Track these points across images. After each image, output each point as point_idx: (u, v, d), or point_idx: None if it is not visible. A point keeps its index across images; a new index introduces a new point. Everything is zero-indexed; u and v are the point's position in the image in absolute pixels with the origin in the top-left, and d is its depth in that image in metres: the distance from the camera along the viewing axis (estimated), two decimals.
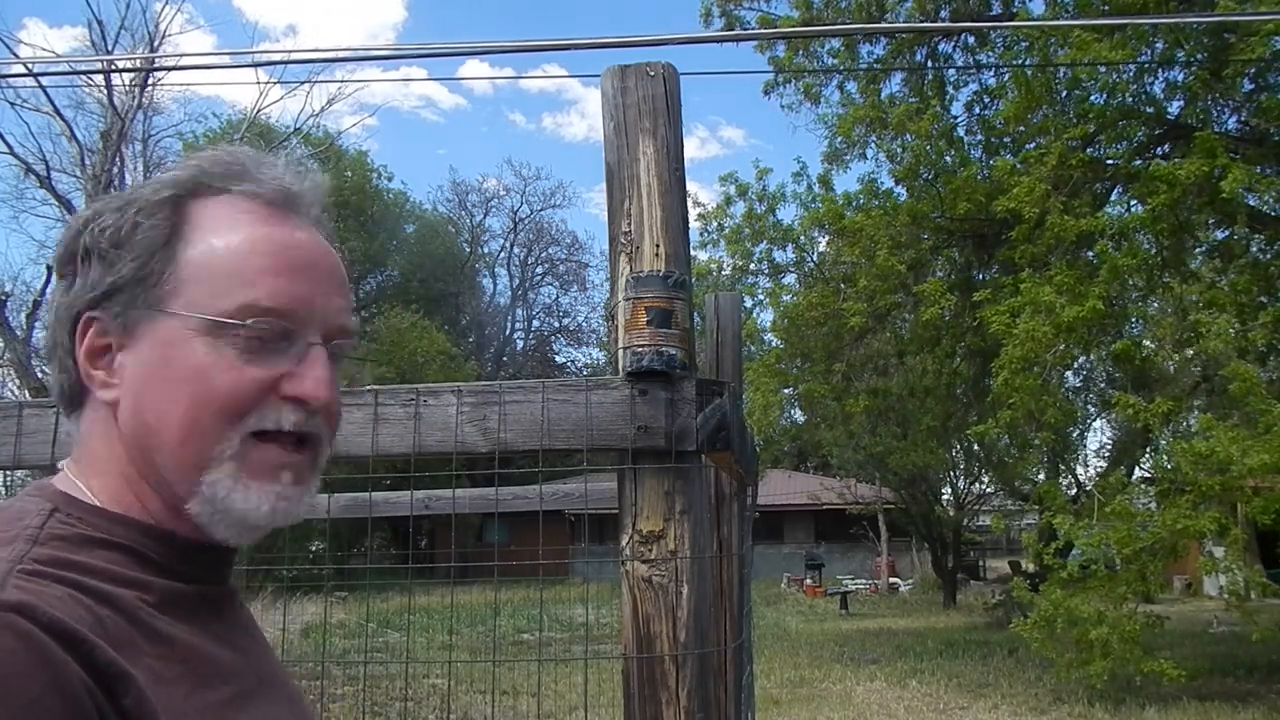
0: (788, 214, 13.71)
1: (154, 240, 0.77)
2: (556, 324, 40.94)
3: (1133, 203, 10.80)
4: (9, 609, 0.61)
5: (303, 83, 21.03)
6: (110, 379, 0.77)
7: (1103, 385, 17.62)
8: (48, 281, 16.90)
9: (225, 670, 0.75)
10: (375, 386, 1.45)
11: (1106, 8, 10.16)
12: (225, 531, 0.77)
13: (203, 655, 0.73)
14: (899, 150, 11.98)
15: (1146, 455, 13.07)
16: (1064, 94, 10.65)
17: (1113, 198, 11.72)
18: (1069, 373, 14.91)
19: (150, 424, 0.75)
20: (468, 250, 38.60)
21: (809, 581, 23.64)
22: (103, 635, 0.64)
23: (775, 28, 12.50)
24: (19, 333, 18.18)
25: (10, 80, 17.59)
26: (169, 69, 18.45)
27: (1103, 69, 9.89)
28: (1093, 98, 10.62)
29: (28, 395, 15.72)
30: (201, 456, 0.74)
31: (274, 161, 0.84)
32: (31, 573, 0.65)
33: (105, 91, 18.19)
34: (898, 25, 12.02)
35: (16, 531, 0.70)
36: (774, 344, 13.40)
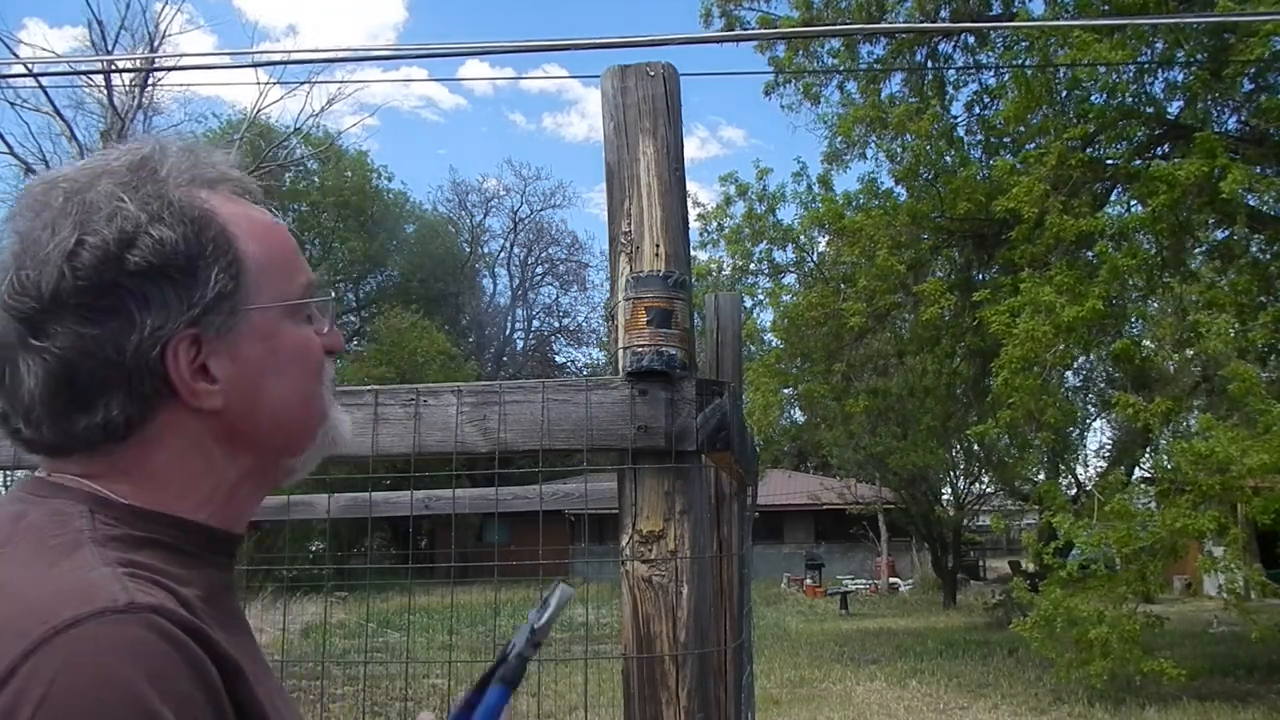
0: (788, 214, 13.72)
1: (225, 245, 0.77)
2: (556, 324, 40.96)
3: (1133, 203, 10.80)
4: (148, 610, 0.62)
5: (302, 83, 21.03)
6: (211, 388, 0.76)
7: (1103, 385, 17.63)
8: None
9: (263, 660, 0.79)
10: (375, 386, 1.45)
11: (1106, 8, 10.16)
12: (320, 456, 0.87)
13: (249, 647, 0.77)
14: (899, 150, 11.98)
15: (1146, 455, 13.08)
16: (1064, 94, 10.65)
17: (1113, 198, 11.73)
18: (1069, 373, 14.92)
19: (273, 406, 0.80)
20: (468, 250, 38.59)
21: (809, 581, 23.63)
22: None
23: (775, 28, 12.50)
24: None
25: (10, 80, 17.60)
26: (169, 69, 18.45)
27: (1103, 69, 9.89)
28: (1093, 98, 10.62)
29: None
30: (320, 414, 0.84)
31: (218, 152, 0.84)
32: (129, 575, 0.66)
33: (105, 91, 18.20)
34: (898, 25, 12.02)
35: (73, 535, 0.69)
36: (774, 344, 13.40)
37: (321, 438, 0.85)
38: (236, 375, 0.77)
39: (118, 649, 0.60)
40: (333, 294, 1.06)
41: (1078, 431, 19.43)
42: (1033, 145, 10.59)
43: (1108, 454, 21.93)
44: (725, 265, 13.88)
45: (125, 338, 0.71)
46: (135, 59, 18.08)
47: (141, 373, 0.73)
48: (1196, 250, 11.25)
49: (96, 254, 0.70)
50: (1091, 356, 13.33)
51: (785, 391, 13.34)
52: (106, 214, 0.72)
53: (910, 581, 24.14)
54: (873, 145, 12.41)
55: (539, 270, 40.63)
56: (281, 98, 43.88)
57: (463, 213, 39.89)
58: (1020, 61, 11.09)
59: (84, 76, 17.72)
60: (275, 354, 0.79)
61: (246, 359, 0.77)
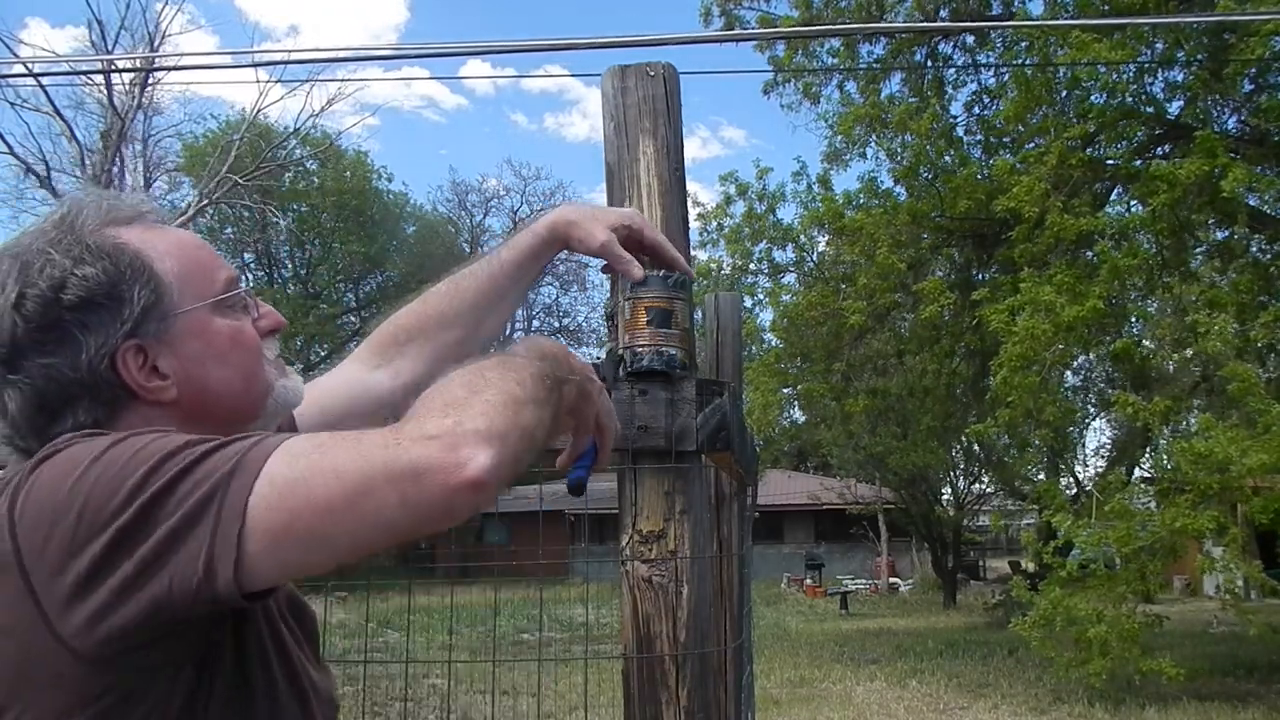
0: (788, 213, 13.69)
1: (141, 267, 0.93)
2: (556, 324, 40.95)
3: (1133, 203, 10.80)
4: None
5: (303, 82, 21.01)
6: (164, 383, 0.93)
7: (1102, 385, 17.61)
8: None
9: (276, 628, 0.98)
10: None
11: (1106, 8, 10.15)
12: (277, 416, 1.04)
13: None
14: (899, 149, 11.97)
15: (1146, 455, 13.07)
16: (1064, 94, 10.64)
17: (1113, 198, 11.72)
18: (1069, 372, 14.92)
19: (221, 390, 0.96)
20: (468, 250, 38.56)
21: (809, 581, 23.62)
22: None
23: (775, 27, 12.49)
24: None
25: (10, 80, 17.59)
26: (169, 69, 18.45)
27: (1103, 69, 9.88)
28: (1093, 98, 10.60)
29: None
30: (265, 385, 1.00)
31: (134, 195, 1.04)
32: None
33: (105, 91, 18.19)
34: (898, 25, 12.01)
35: None
36: (773, 344, 13.38)
37: (271, 404, 1.01)
38: (182, 369, 0.94)
39: None
40: (247, 284, 1.10)
41: (1077, 431, 19.42)
42: (1033, 145, 10.58)
43: (1107, 454, 21.92)
44: (725, 265, 13.87)
45: (77, 358, 0.89)
46: (135, 59, 18.07)
47: (99, 383, 0.90)
48: (1197, 250, 11.25)
49: (37, 301, 0.89)
50: (1091, 356, 13.32)
51: (785, 391, 13.33)
52: (38, 267, 0.89)
53: (910, 581, 24.14)
54: (873, 145, 12.41)
55: None
56: (282, 98, 43.87)
57: (463, 213, 39.91)
58: (1020, 61, 11.08)
59: (84, 76, 17.72)
60: (211, 344, 0.96)
61: (187, 354, 0.94)
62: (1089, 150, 10.55)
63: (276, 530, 0.75)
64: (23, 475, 0.80)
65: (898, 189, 12.42)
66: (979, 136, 12.66)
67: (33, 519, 0.76)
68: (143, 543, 0.74)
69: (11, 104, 18.03)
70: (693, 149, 61.94)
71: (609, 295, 1.31)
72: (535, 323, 41.49)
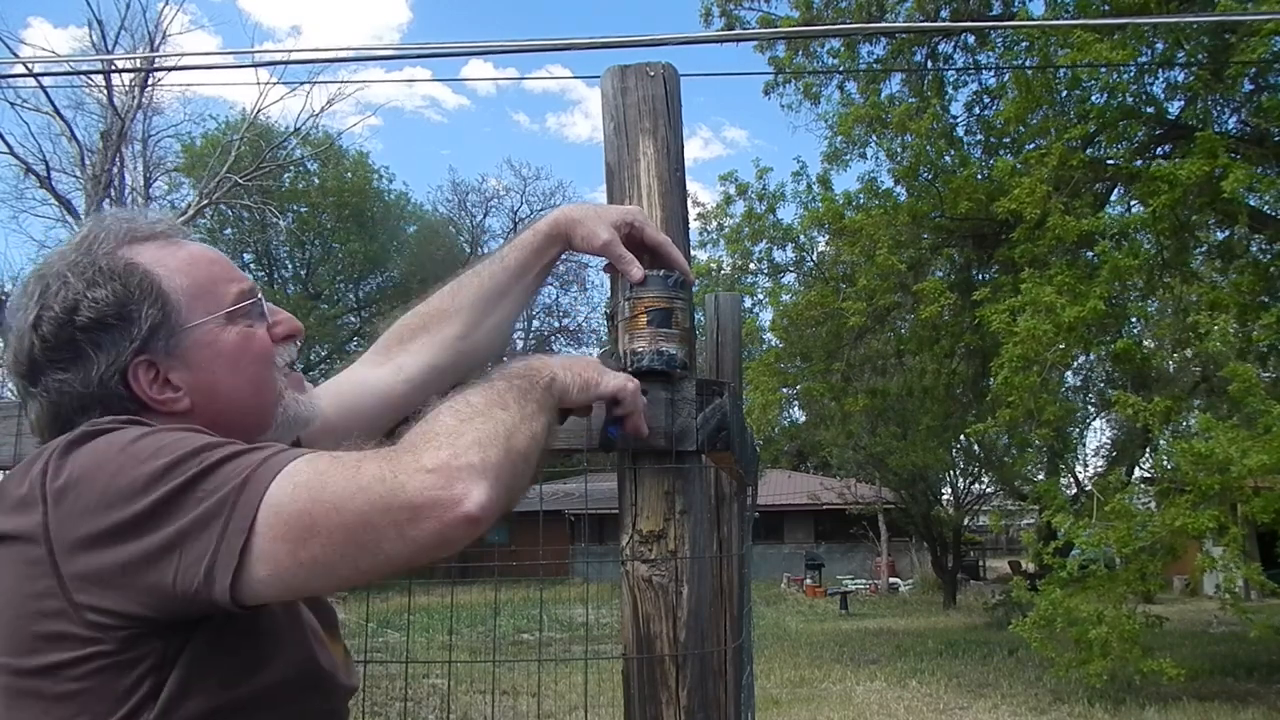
0: (788, 213, 13.71)
1: (149, 287, 0.98)
2: (556, 324, 40.95)
3: (1133, 203, 10.79)
4: None
5: (304, 83, 21.01)
6: (176, 395, 0.98)
7: (1102, 385, 17.61)
8: None
9: None
10: None
11: (1106, 8, 10.15)
12: (291, 430, 1.06)
13: None
14: (899, 150, 11.97)
15: (1146, 455, 13.07)
16: (1064, 94, 10.63)
17: (1113, 198, 11.72)
18: (1069, 372, 14.92)
19: (232, 398, 1.01)
20: (468, 251, 38.57)
21: (809, 581, 23.63)
22: None
23: (775, 28, 12.49)
24: None
25: (10, 80, 17.59)
26: (169, 69, 18.44)
27: (1103, 69, 9.88)
28: (1093, 98, 10.60)
29: None
30: (274, 394, 1.04)
31: (154, 212, 1.09)
32: None
33: (105, 92, 18.18)
34: (898, 25, 12.01)
35: None
36: (773, 344, 13.38)
37: (281, 413, 1.05)
38: (194, 380, 0.99)
39: None
40: (259, 295, 1.13)
41: (1077, 431, 19.43)
42: (1033, 145, 10.58)
43: (1107, 454, 21.92)
44: (725, 265, 13.87)
45: (89, 375, 0.95)
46: (135, 59, 18.07)
47: (110, 397, 0.95)
48: (1197, 250, 11.24)
49: (52, 323, 0.95)
50: (1091, 356, 13.32)
51: (785, 391, 13.33)
52: (55, 290, 0.96)
53: (910, 581, 24.14)
54: (873, 145, 12.40)
55: None
56: (282, 98, 43.93)
57: (463, 213, 39.90)
58: (1020, 61, 11.08)
59: (84, 76, 17.71)
60: (221, 355, 1.00)
61: (199, 365, 0.99)
62: (1089, 150, 10.55)
63: (280, 558, 0.80)
64: (56, 452, 0.86)
65: (898, 189, 12.43)
66: (979, 137, 12.66)
67: (64, 496, 0.83)
68: (154, 532, 0.80)
69: (11, 104, 18.00)
70: (695, 149, 62.02)
71: (609, 295, 1.31)
72: (535, 322, 41.50)
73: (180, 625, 0.84)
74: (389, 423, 1.24)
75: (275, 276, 30.80)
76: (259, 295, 1.06)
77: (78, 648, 0.82)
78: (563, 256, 1.36)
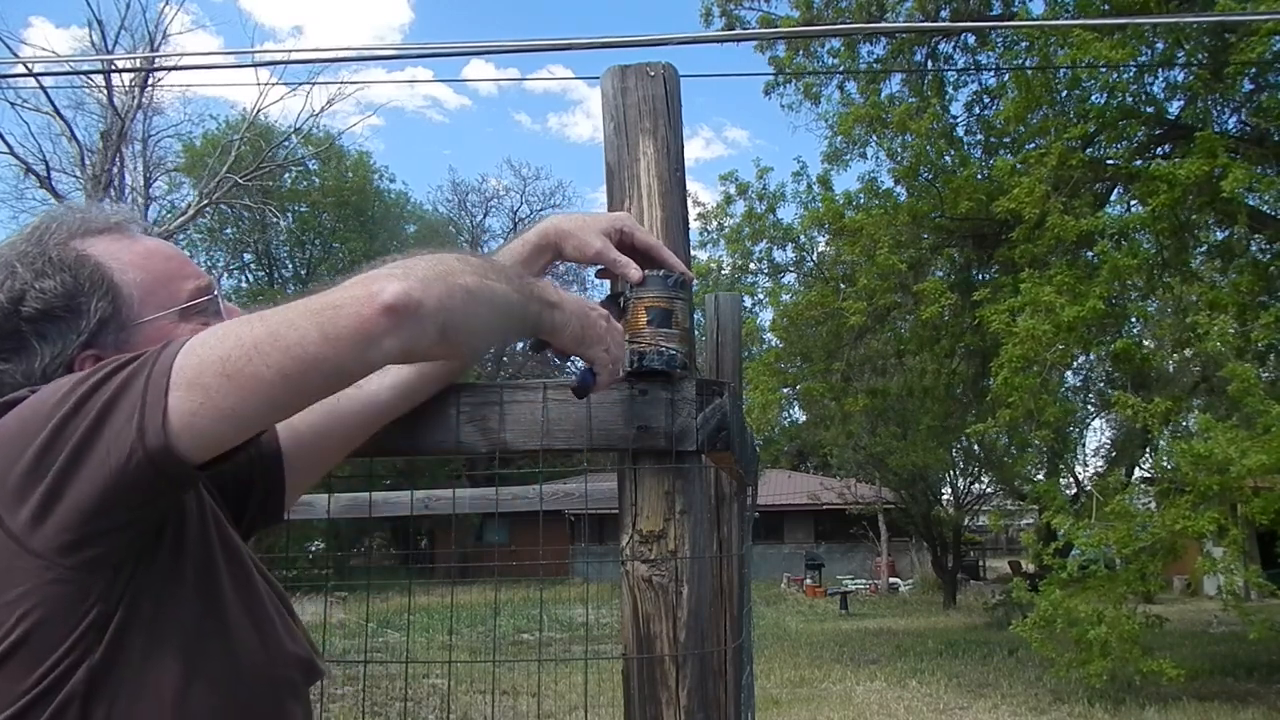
0: (788, 213, 13.71)
1: (100, 279, 0.96)
2: None
3: (1133, 203, 10.79)
4: None
5: (305, 83, 21.02)
6: None
7: (1102, 385, 17.61)
8: None
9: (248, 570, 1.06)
10: None
11: (1106, 7, 10.15)
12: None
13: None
14: (899, 150, 11.97)
15: (1146, 455, 13.07)
16: (1064, 94, 10.63)
17: (1113, 198, 11.71)
18: (1069, 373, 14.91)
19: None
20: (468, 251, 38.57)
21: (809, 581, 23.62)
22: None
23: (775, 28, 12.49)
24: None
25: (10, 80, 17.59)
26: (169, 69, 18.44)
27: (1103, 69, 9.88)
28: (1093, 98, 10.60)
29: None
30: None
31: (110, 205, 1.06)
32: None
33: (105, 92, 18.18)
34: (898, 25, 12.01)
35: None
36: (773, 343, 13.38)
37: None
38: None
39: None
40: (216, 292, 1.12)
41: (1077, 431, 19.42)
42: (1033, 145, 10.57)
43: (1107, 454, 21.92)
44: (725, 265, 13.88)
45: (31, 366, 0.93)
46: (135, 59, 18.07)
47: None
48: (1197, 250, 11.24)
49: None
50: (1091, 356, 13.32)
51: (785, 391, 13.33)
52: (2, 280, 0.95)
53: (910, 581, 24.13)
54: (873, 145, 12.41)
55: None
56: (283, 97, 43.89)
57: (463, 213, 39.88)
58: (1020, 61, 11.07)
59: (84, 76, 17.71)
60: None
61: None
62: (1089, 150, 10.55)
63: (206, 374, 0.79)
64: None
65: (898, 189, 12.43)
66: (979, 137, 12.66)
67: None
68: (77, 430, 0.79)
69: (11, 104, 18.03)
70: (696, 149, 62.06)
71: (609, 295, 1.31)
72: None
73: (128, 558, 0.82)
74: (373, 428, 1.21)
75: (275, 276, 30.79)
76: (216, 292, 1.05)
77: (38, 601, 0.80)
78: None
